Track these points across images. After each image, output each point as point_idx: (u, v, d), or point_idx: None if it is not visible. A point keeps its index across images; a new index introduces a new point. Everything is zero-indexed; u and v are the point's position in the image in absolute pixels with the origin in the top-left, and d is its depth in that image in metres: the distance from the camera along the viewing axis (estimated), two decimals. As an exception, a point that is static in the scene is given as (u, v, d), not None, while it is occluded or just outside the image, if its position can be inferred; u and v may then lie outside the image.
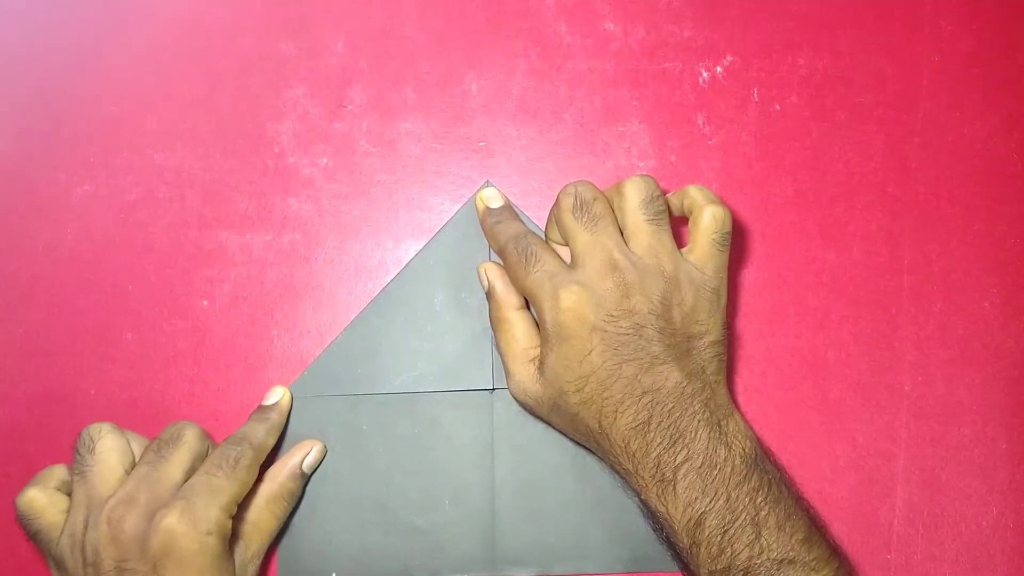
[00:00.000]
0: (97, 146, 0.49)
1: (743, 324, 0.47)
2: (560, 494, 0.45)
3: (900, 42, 0.49)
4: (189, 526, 0.37)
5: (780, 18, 0.50)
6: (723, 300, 0.41)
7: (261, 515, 0.42)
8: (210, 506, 0.38)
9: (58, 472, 0.41)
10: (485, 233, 0.45)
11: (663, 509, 0.38)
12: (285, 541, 0.44)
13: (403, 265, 0.47)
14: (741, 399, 0.46)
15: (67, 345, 0.47)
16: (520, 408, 0.45)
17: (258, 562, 0.42)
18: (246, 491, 0.40)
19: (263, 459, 0.42)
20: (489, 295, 0.44)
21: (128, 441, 0.41)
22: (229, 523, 0.39)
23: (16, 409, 0.47)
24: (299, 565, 0.44)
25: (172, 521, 0.37)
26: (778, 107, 0.49)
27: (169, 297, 0.48)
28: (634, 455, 0.38)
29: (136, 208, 0.49)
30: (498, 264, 0.44)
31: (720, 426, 0.39)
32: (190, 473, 0.40)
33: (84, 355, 0.47)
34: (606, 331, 0.38)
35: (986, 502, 0.45)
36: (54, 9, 0.51)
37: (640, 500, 0.40)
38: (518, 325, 0.42)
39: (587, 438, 0.41)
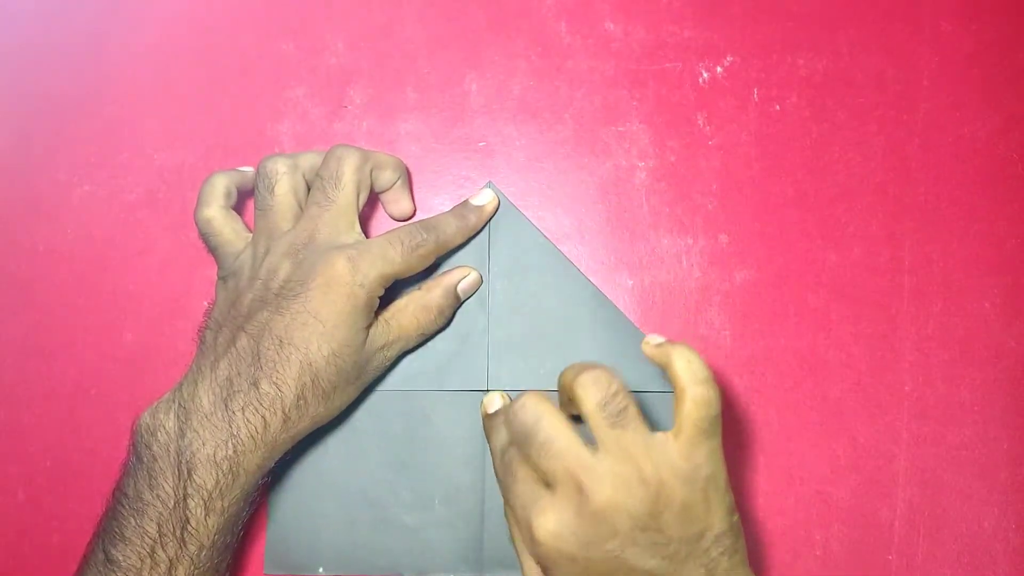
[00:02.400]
0: (97, 146, 0.49)
1: (743, 324, 0.47)
2: None
3: (900, 42, 0.49)
4: (349, 271, 0.39)
5: (780, 18, 0.49)
6: (722, 484, 0.36)
7: (404, 315, 0.43)
8: (374, 267, 0.40)
9: (219, 186, 0.44)
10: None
11: None
12: (273, 533, 0.45)
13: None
14: (741, 399, 0.46)
15: (67, 345, 0.47)
16: None
17: (383, 358, 0.42)
18: (409, 274, 0.42)
19: (443, 252, 0.44)
20: (494, 416, 0.42)
21: (303, 176, 0.44)
22: (380, 291, 0.41)
23: (16, 409, 0.47)
24: (287, 558, 0.44)
25: (341, 261, 0.39)
26: (778, 107, 0.49)
27: (169, 297, 0.48)
28: None
29: (136, 208, 0.49)
30: (502, 394, 0.43)
31: None
32: (356, 207, 0.42)
33: (84, 355, 0.47)
34: (589, 558, 0.35)
35: (987, 502, 0.45)
36: (54, 9, 0.51)
37: None
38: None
39: None
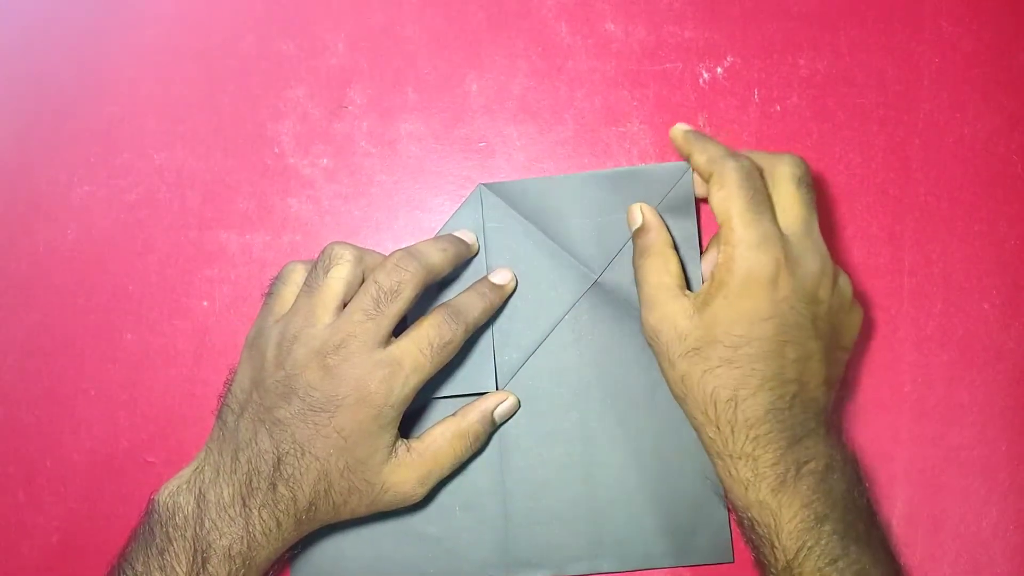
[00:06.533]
0: (97, 146, 0.49)
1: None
2: (570, 494, 0.45)
3: (900, 42, 0.49)
4: (383, 394, 0.39)
5: (780, 18, 0.49)
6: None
7: (441, 447, 0.42)
8: (406, 384, 0.40)
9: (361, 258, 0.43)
10: (687, 146, 0.43)
11: (774, 504, 0.37)
12: (299, 550, 0.44)
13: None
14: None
15: (67, 345, 0.47)
16: (527, 409, 0.44)
17: (416, 494, 0.42)
18: (437, 371, 0.41)
19: (469, 336, 0.42)
20: (642, 230, 0.43)
21: (361, 273, 0.42)
22: (411, 399, 0.40)
23: (16, 409, 0.47)
24: (312, 573, 0.44)
25: (375, 382, 0.39)
26: (779, 108, 0.49)
27: (169, 297, 0.48)
28: (757, 439, 0.37)
29: (136, 208, 0.49)
30: (648, 206, 0.43)
31: (840, 439, 0.39)
32: (400, 318, 0.41)
33: (84, 355, 0.47)
34: (791, 308, 0.38)
35: (986, 503, 0.45)
36: (55, 9, 0.50)
37: (744, 497, 0.38)
38: (673, 260, 0.41)
39: (706, 401, 0.39)
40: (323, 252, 0.42)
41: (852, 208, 0.48)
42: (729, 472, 0.38)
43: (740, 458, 0.38)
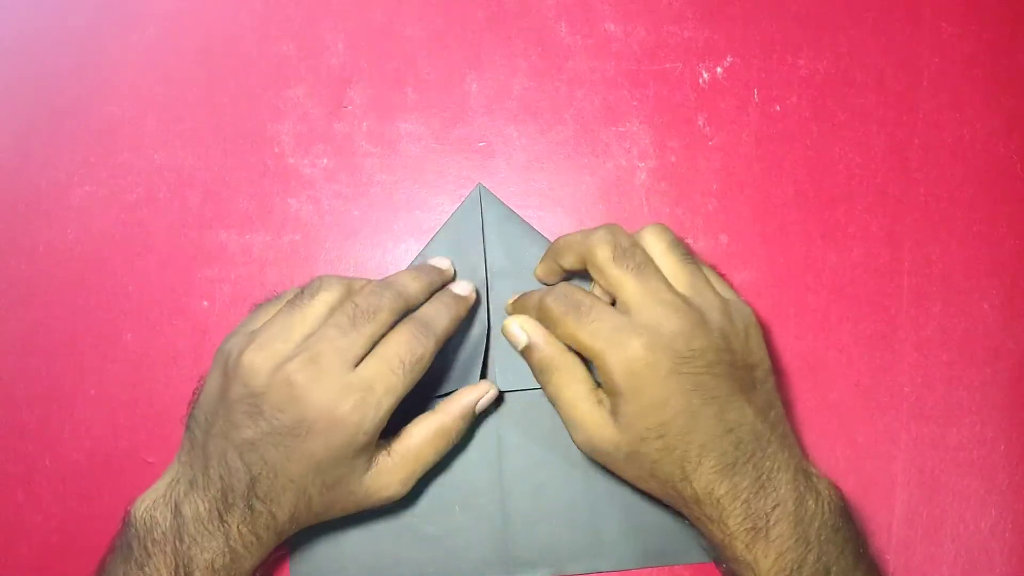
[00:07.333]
0: (97, 146, 0.49)
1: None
2: (570, 493, 0.45)
3: (900, 43, 0.49)
4: (356, 422, 0.38)
5: (780, 19, 0.49)
6: (755, 321, 0.41)
7: (423, 446, 0.41)
8: (379, 409, 0.38)
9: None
10: (516, 309, 0.43)
11: (750, 558, 0.37)
12: (297, 551, 0.44)
13: (403, 266, 0.47)
14: (741, 400, 0.46)
15: (67, 345, 0.47)
16: (525, 408, 0.45)
17: (401, 491, 0.41)
18: (411, 388, 0.40)
19: (440, 349, 0.41)
20: (531, 348, 0.41)
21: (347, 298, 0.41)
22: (387, 420, 0.39)
23: (16, 409, 0.47)
24: (312, 573, 0.44)
25: (346, 407, 0.38)
26: (778, 108, 0.49)
27: (169, 297, 0.48)
28: (720, 501, 0.37)
29: (136, 208, 0.49)
30: (524, 316, 0.42)
31: (806, 472, 0.39)
32: (375, 341, 0.39)
33: (84, 355, 0.47)
34: (681, 374, 0.37)
35: (985, 503, 0.45)
36: (54, 9, 0.50)
37: (722, 555, 0.38)
38: (576, 366, 0.40)
39: (666, 486, 0.39)
40: (313, 280, 0.41)
41: (852, 208, 0.48)
42: (704, 535, 0.39)
43: (712, 522, 0.38)
